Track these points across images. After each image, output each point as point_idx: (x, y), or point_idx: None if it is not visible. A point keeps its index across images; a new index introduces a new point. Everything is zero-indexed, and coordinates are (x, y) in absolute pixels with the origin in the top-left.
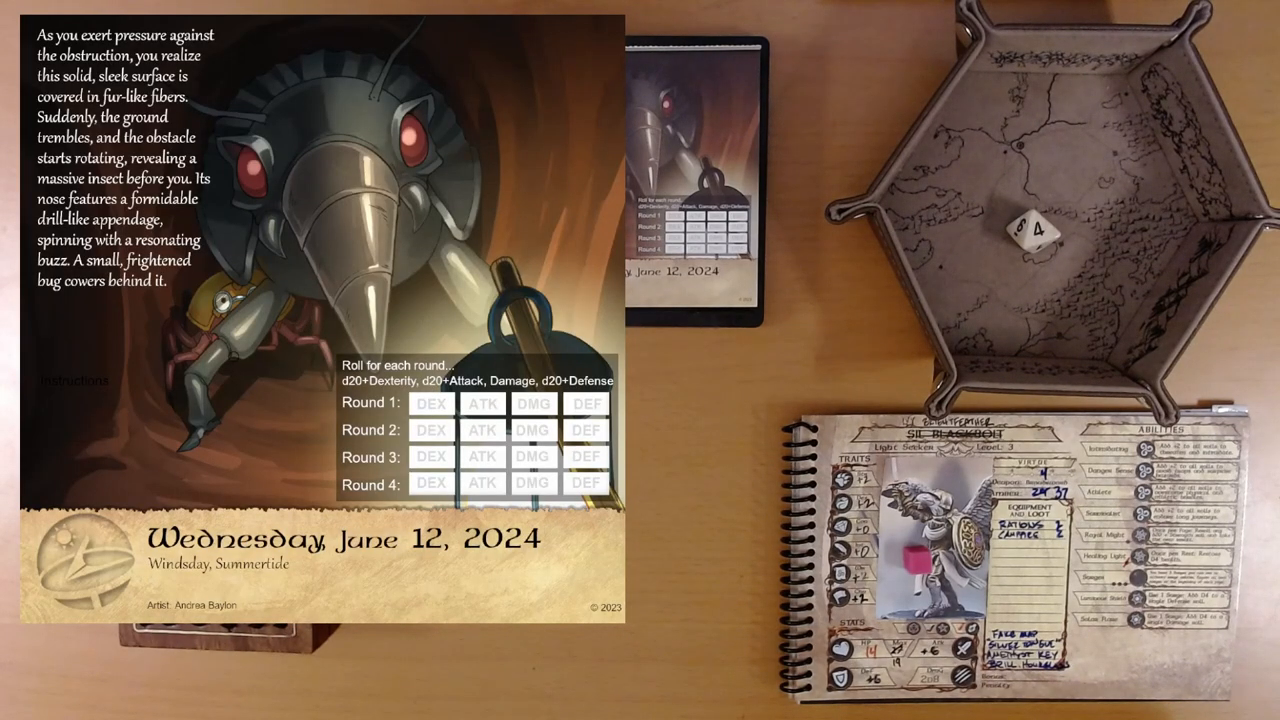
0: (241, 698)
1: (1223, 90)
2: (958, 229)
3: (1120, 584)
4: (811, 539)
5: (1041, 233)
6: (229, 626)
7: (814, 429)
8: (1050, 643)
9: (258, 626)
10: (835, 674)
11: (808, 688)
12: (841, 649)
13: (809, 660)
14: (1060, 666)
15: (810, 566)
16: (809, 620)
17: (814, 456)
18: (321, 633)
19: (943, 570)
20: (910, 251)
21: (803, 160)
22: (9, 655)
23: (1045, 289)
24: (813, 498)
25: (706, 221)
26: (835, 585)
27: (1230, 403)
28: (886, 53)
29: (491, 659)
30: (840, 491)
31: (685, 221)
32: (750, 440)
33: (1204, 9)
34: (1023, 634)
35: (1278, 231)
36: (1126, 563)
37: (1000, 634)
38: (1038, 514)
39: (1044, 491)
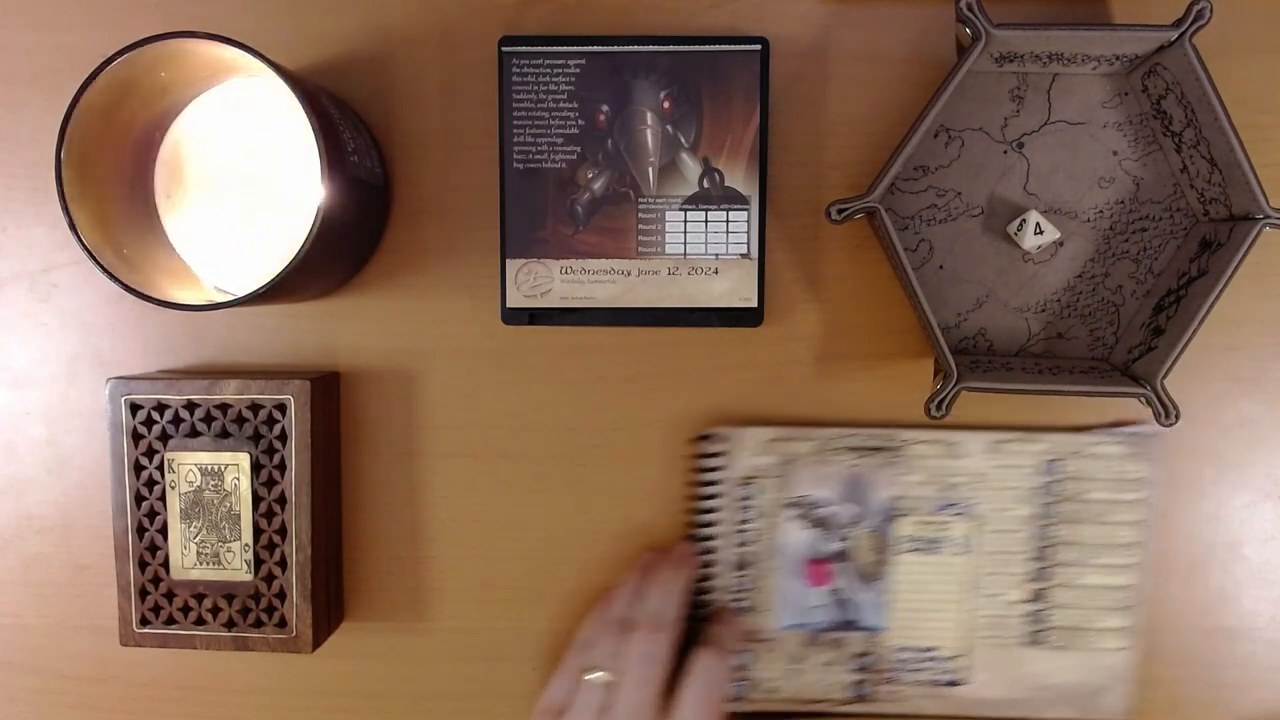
0: (241, 698)
1: (1223, 90)
2: (958, 229)
3: (1021, 602)
4: (715, 549)
5: (1041, 233)
6: (229, 626)
7: (723, 440)
8: (950, 659)
9: (258, 626)
10: (734, 683)
11: None
12: (743, 659)
13: None
14: (959, 683)
15: (713, 576)
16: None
17: (721, 468)
18: (321, 633)
19: (844, 584)
20: (910, 251)
21: (803, 160)
22: (9, 655)
23: (1045, 289)
24: (718, 509)
25: (706, 221)
26: (736, 596)
27: (1137, 423)
28: (886, 53)
29: (492, 659)
30: (745, 503)
31: (685, 221)
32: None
33: (1204, 9)
34: (922, 649)
35: (1278, 231)
36: (1028, 581)
37: (899, 649)
38: (940, 530)
39: (948, 508)
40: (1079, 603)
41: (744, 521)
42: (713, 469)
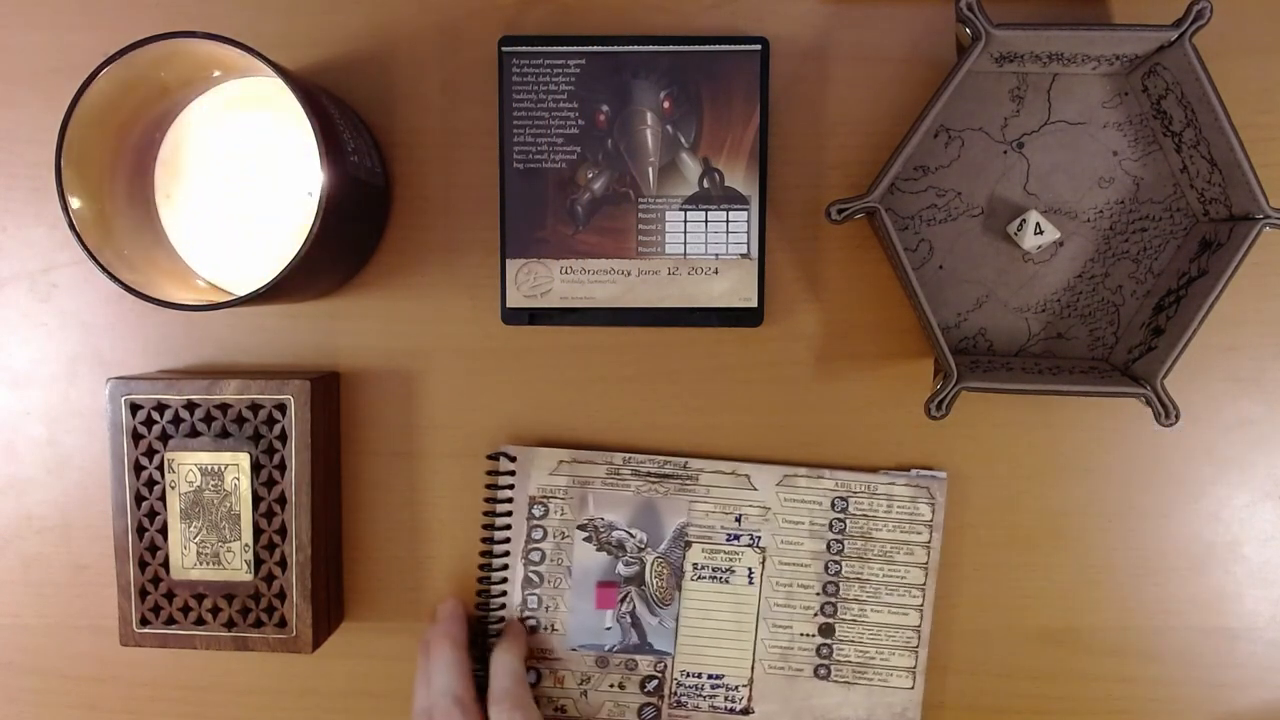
0: (241, 698)
1: (1223, 90)
2: (958, 229)
3: (809, 635)
4: (506, 566)
5: (1041, 233)
6: (229, 626)
7: (513, 459)
8: (736, 687)
9: (258, 626)
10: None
11: None
12: (530, 676)
13: None
14: (746, 712)
15: (504, 594)
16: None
17: (512, 486)
18: (321, 633)
19: (634, 607)
20: (910, 251)
21: (803, 160)
22: (9, 655)
23: (1045, 289)
24: (509, 526)
25: (706, 221)
26: (527, 613)
27: (928, 468)
28: (886, 53)
29: None
30: (536, 522)
31: (685, 221)
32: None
33: (1204, 9)
34: (709, 676)
35: (1278, 231)
36: (816, 614)
37: (687, 674)
38: (730, 559)
39: (737, 538)
40: (867, 639)
41: (535, 541)
42: (504, 487)
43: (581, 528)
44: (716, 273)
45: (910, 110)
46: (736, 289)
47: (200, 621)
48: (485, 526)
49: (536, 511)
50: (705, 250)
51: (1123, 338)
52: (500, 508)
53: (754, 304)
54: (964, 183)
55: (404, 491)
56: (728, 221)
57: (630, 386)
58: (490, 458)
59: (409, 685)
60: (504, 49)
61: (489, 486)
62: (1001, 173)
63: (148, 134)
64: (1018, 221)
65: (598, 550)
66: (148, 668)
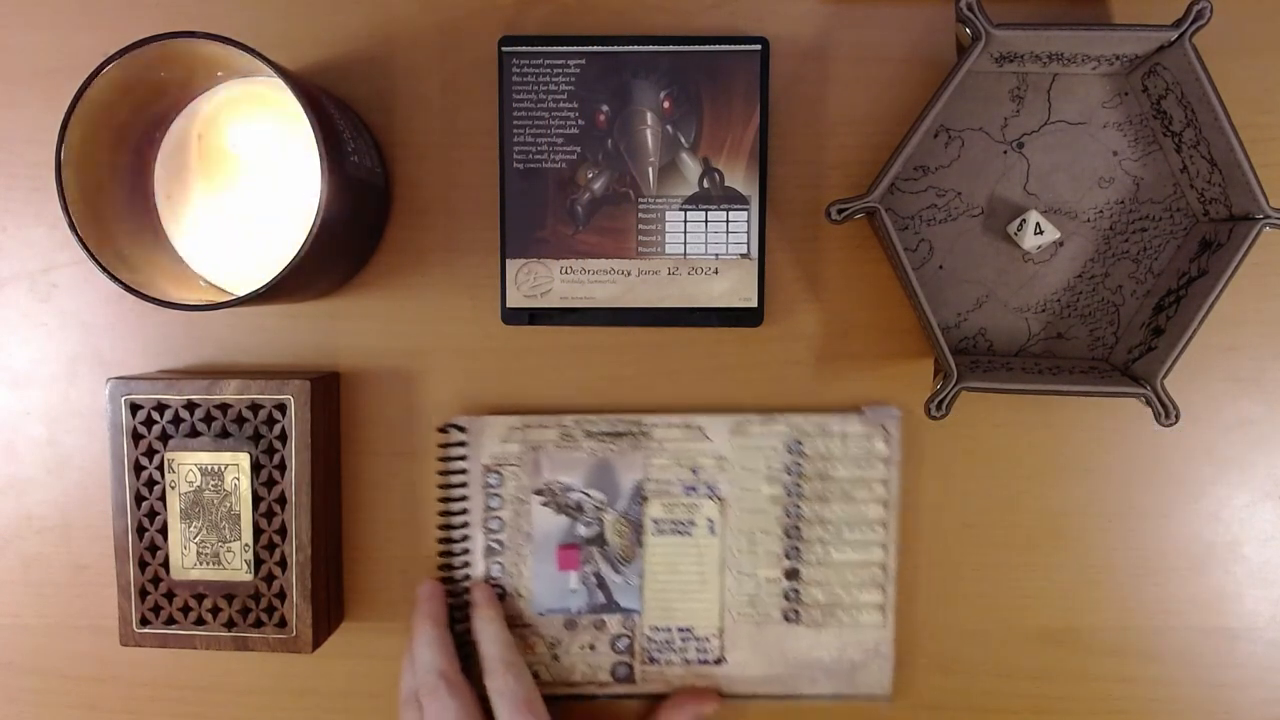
0: (241, 698)
1: (1223, 90)
2: (958, 229)
3: (774, 580)
4: (467, 538)
5: (1041, 233)
6: (229, 626)
7: (463, 429)
8: (707, 638)
9: (258, 626)
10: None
11: None
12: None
13: (469, 656)
14: (719, 662)
15: (467, 565)
16: (468, 619)
17: (465, 457)
18: (321, 633)
19: (598, 568)
20: (910, 251)
21: (803, 160)
22: (9, 655)
23: (1045, 289)
24: (465, 498)
25: (706, 221)
26: (494, 582)
27: (882, 403)
28: (886, 53)
29: None
30: (492, 491)
31: (685, 221)
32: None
33: (1204, 9)
34: (679, 629)
35: (1278, 231)
36: (780, 559)
37: (657, 630)
38: (690, 512)
39: (695, 490)
40: (833, 580)
41: (493, 509)
42: (456, 458)
43: (538, 492)
44: (716, 273)
45: (910, 110)
46: (736, 289)
47: (200, 621)
48: (442, 500)
49: (492, 480)
50: (705, 250)
51: (1123, 338)
52: (455, 479)
53: (754, 304)
54: (964, 183)
55: (404, 491)
56: (728, 221)
57: (630, 386)
58: (441, 430)
59: None
60: (504, 49)
61: (441, 459)
62: (1001, 173)
63: (148, 134)
64: (1018, 221)
65: (556, 514)
66: (148, 668)
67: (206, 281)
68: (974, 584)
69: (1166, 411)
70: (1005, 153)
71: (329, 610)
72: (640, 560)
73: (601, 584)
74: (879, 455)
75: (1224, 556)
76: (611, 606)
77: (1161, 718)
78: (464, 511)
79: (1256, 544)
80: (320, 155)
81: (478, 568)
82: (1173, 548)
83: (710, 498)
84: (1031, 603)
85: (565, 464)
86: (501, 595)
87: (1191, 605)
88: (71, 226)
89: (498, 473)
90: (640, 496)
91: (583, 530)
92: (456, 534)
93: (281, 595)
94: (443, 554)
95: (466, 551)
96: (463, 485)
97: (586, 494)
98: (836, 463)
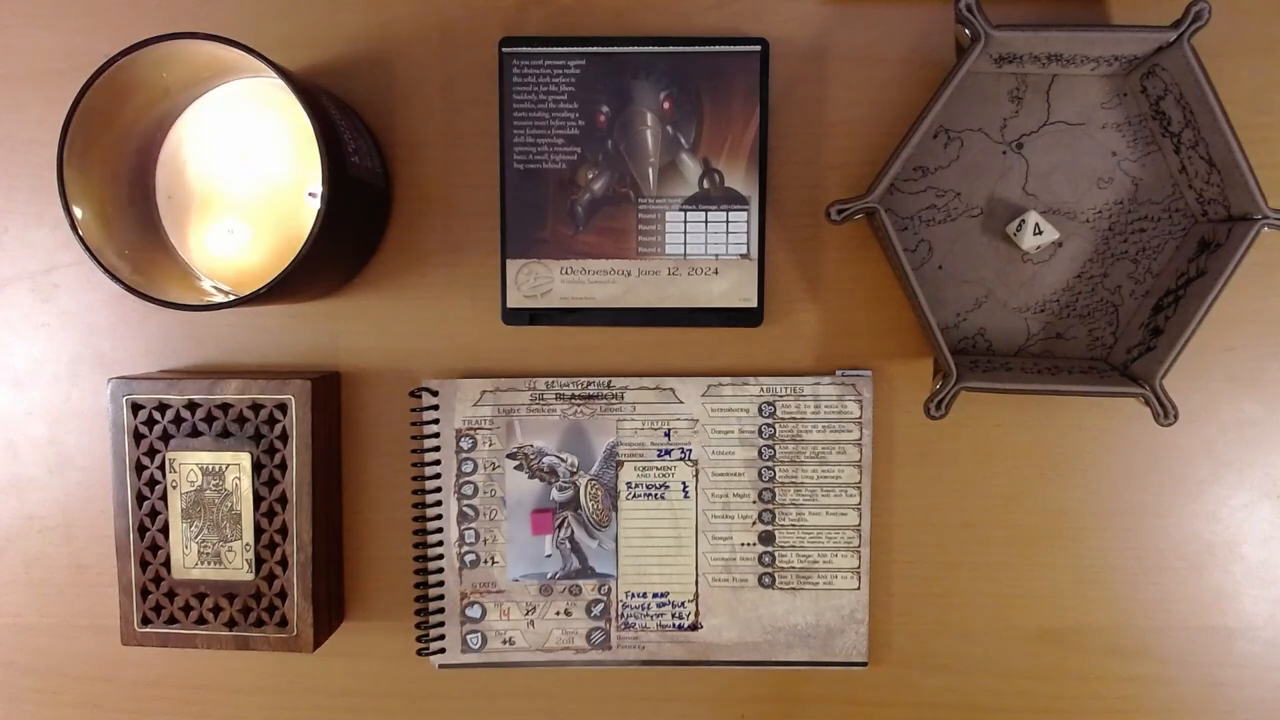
0: (241, 698)
1: (1221, 91)
2: (957, 229)
3: (749, 544)
4: (440, 503)
5: (1041, 233)
6: (230, 625)
7: (435, 393)
8: (682, 604)
9: (259, 625)
10: (469, 636)
11: (443, 650)
12: (474, 611)
13: (443, 624)
14: (694, 628)
15: (440, 530)
16: (441, 584)
17: (436, 421)
18: (322, 632)
19: (572, 532)
20: (910, 251)
21: (803, 160)
22: (9, 655)
23: (1044, 289)
24: (438, 462)
25: (706, 222)
26: (465, 548)
27: (854, 368)
28: (886, 53)
29: None
30: (465, 455)
31: (685, 222)
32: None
33: (1203, 10)
34: (654, 595)
35: (1276, 232)
36: (754, 523)
37: (632, 595)
38: (663, 475)
39: (668, 453)
40: (808, 544)
41: (466, 474)
42: (428, 422)
43: (511, 456)
44: (716, 273)
45: (910, 110)
46: (736, 289)
47: (201, 621)
48: (415, 465)
49: (464, 444)
50: (705, 250)
51: (1121, 338)
52: (427, 443)
53: (754, 304)
54: (963, 183)
55: (404, 491)
56: (727, 222)
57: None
58: (412, 394)
59: (409, 685)
60: (504, 50)
61: (414, 424)
62: (1001, 173)
63: (149, 135)
64: (1017, 222)
65: (530, 478)
66: (149, 667)
67: (208, 282)
68: (972, 583)
69: (1165, 411)
70: (1004, 153)
71: (329, 610)
72: (615, 525)
73: (576, 549)
74: (851, 417)
75: (1222, 556)
76: (586, 572)
77: (1159, 716)
78: (437, 476)
79: (1255, 543)
80: (321, 156)
81: (451, 533)
82: (1171, 547)
83: (684, 460)
84: (1030, 602)
85: (538, 428)
86: (474, 562)
87: (1189, 604)
88: (73, 227)
89: (470, 437)
90: (614, 460)
91: (556, 494)
92: (429, 499)
93: (282, 594)
94: (416, 519)
95: (439, 518)
96: (435, 449)
97: (560, 458)
98: (810, 425)
